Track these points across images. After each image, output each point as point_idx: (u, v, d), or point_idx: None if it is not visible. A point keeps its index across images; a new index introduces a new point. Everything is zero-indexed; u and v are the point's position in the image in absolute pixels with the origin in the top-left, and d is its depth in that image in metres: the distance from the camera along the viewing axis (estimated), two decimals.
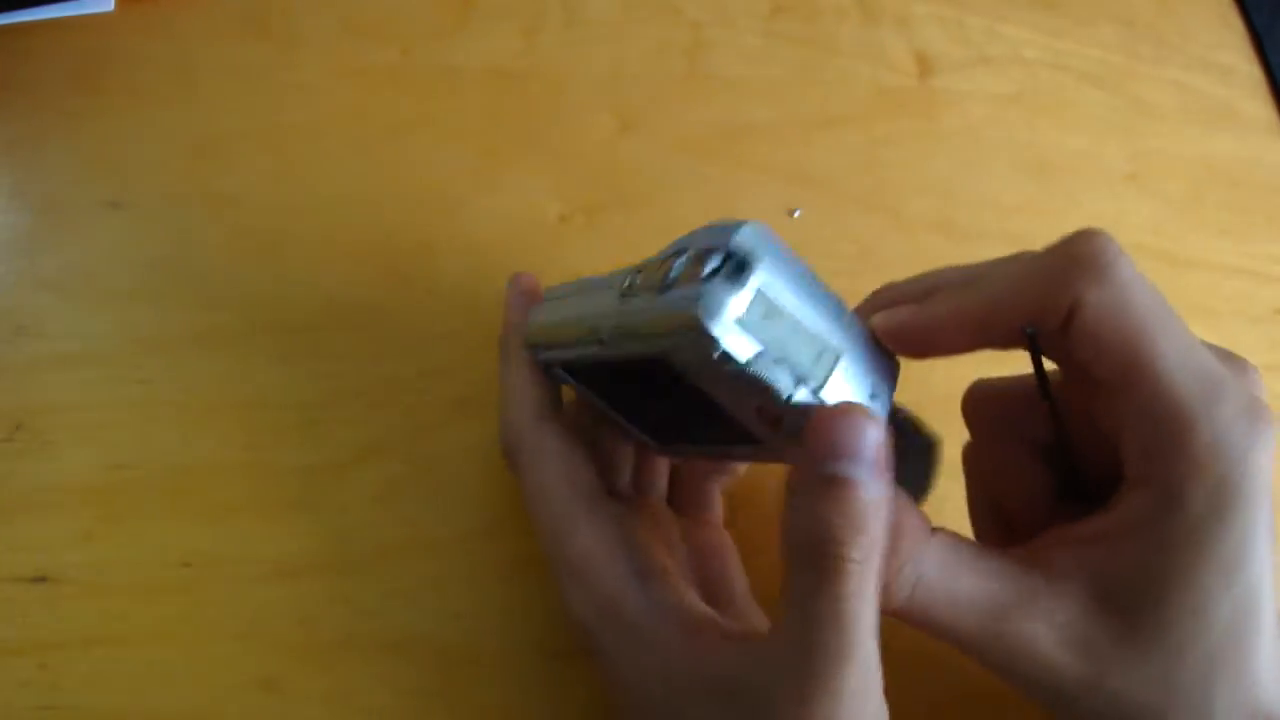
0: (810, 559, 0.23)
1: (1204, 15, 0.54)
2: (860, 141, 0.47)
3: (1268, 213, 0.49)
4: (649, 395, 0.29)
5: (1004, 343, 0.26)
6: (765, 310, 0.23)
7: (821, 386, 0.24)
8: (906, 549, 0.25)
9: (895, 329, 0.26)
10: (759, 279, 0.23)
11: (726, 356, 0.23)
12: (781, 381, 0.23)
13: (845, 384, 0.24)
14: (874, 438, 0.23)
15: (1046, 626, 0.25)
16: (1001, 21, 0.51)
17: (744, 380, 0.24)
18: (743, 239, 0.24)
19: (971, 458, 0.32)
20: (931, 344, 0.27)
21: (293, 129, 0.41)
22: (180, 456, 0.36)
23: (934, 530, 0.26)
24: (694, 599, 0.28)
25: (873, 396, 0.25)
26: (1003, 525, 0.31)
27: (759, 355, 0.23)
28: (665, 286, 0.25)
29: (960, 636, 0.26)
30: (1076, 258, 0.24)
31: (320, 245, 0.40)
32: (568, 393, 0.34)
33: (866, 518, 0.23)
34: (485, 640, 0.35)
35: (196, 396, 0.37)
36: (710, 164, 0.44)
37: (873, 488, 0.23)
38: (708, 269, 0.24)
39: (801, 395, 0.24)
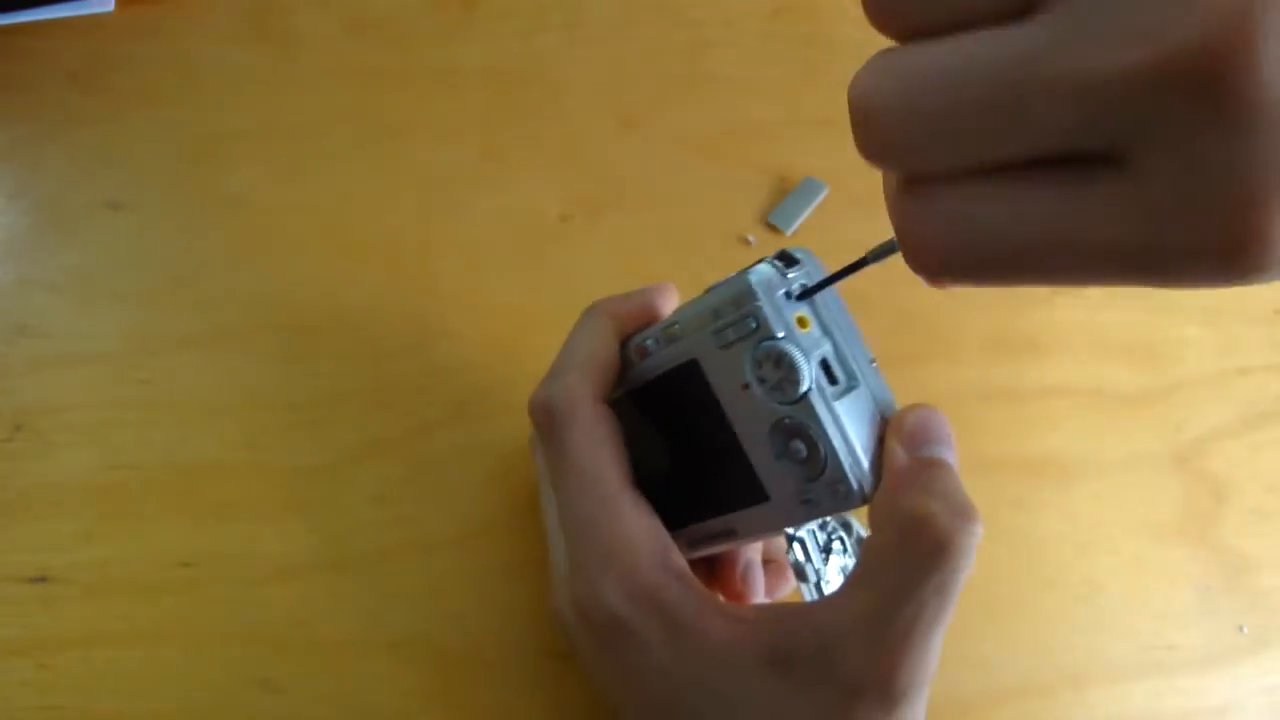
0: (925, 532, 0.24)
1: None
2: None
3: None
4: (675, 433, 0.30)
5: None
6: (806, 303, 0.26)
7: (840, 397, 0.25)
8: None
9: None
10: (806, 275, 0.26)
11: (762, 325, 0.25)
12: (804, 371, 0.25)
13: (857, 405, 0.26)
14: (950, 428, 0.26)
15: None
16: None
17: (770, 363, 0.25)
18: (796, 249, 0.27)
19: None
20: None
21: (293, 129, 0.41)
22: (180, 456, 0.36)
23: None
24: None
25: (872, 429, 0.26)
26: None
27: (791, 336, 0.25)
28: (717, 285, 0.27)
29: None
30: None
31: (320, 245, 0.40)
32: None
33: (965, 493, 0.25)
34: (485, 640, 0.35)
35: (196, 396, 0.37)
36: (710, 164, 0.44)
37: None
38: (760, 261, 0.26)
39: (818, 400, 0.25)
